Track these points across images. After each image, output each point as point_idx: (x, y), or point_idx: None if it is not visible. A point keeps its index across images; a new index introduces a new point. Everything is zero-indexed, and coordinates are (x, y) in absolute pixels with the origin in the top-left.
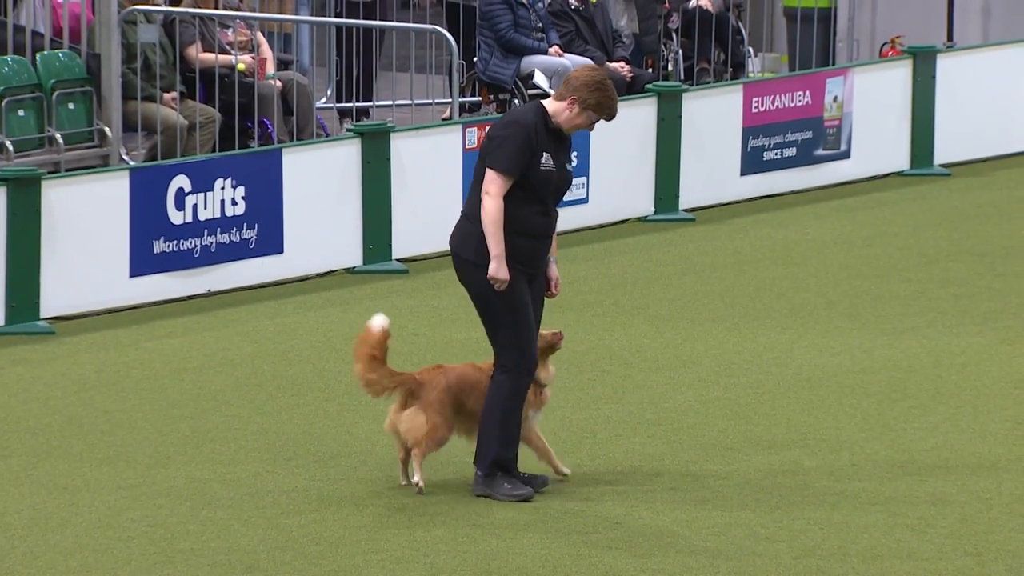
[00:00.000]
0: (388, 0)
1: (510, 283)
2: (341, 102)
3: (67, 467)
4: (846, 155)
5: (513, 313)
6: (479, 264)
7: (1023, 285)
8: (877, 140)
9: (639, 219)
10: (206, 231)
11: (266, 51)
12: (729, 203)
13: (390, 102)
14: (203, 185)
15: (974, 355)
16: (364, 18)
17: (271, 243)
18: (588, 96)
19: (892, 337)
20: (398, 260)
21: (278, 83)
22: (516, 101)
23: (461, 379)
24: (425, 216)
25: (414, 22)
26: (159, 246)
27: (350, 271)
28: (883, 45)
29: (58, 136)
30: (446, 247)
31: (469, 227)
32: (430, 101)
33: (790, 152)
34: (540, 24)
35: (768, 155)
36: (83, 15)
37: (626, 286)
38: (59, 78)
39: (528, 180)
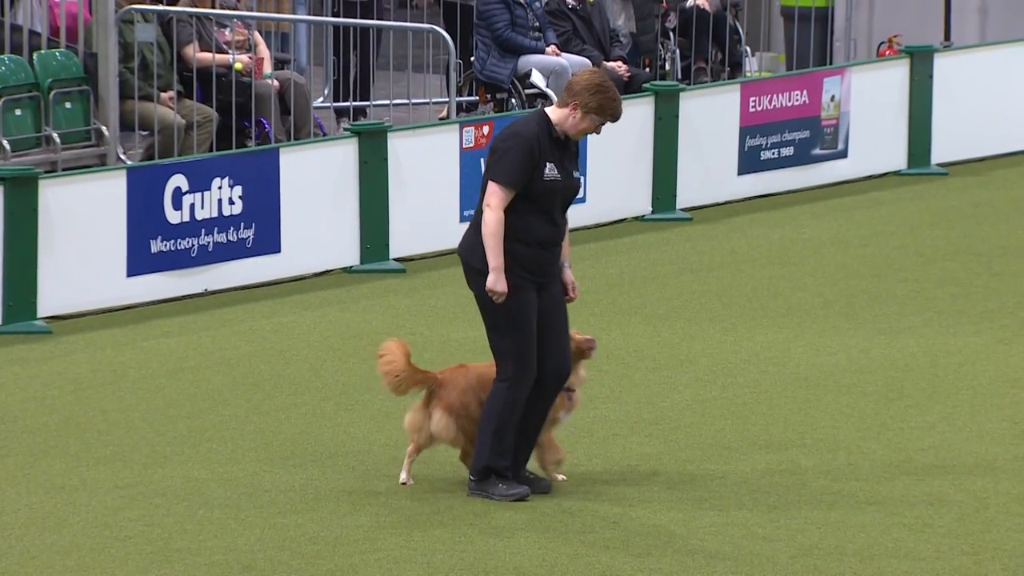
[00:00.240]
0: None
1: (516, 294)
2: (338, 101)
3: (64, 466)
4: (843, 154)
5: (516, 324)
6: (485, 272)
7: (1020, 284)
8: (874, 139)
9: (636, 218)
10: (203, 230)
11: (263, 50)
12: (726, 202)
13: (387, 101)
14: (200, 184)
15: (971, 354)
16: (361, 17)
17: (268, 242)
18: (590, 100)
19: (889, 336)
20: (395, 259)
21: (275, 82)
22: (513, 100)
23: (482, 379)
24: (422, 215)
25: (411, 21)
26: (156, 245)
27: (347, 270)
28: (880, 45)
29: (55, 135)
30: (444, 246)
31: (475, 236)
32: (427, 100)
33: (787, 151)
34: (537, 23)
35: (765, 154)
36: (80, 14)
37: (623, 285)
38: (56, 77)
39: (532, 191)
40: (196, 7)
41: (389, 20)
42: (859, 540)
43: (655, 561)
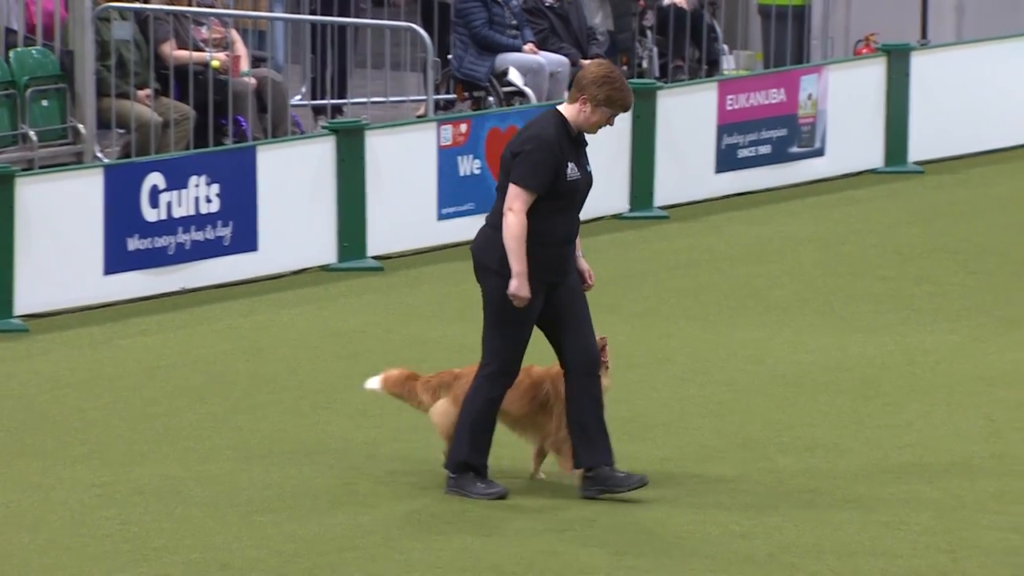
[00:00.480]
0: None
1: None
2: (316, 99)
3: (41, 465)
4: (820, 152)
5: (517, 327)
6: (499, 272)
7: (997, 282)
8: (851, 137)
9: (614, 216)
10: (180, 228)
11: (240, 48)
12: (704, 200)
13: (365, 99)
14: (177, 182)
15: (948, 352)
16: (339, 15)
17: (245, 240)
18: (597, 92)
19: (866, 334)
20: (373, 257)
21: (252, 80)
22: (491, 99)
23: None
24: (400, 213)
25: (389, 19)
26: (133, 243)
27: (325, 268)
28: (857, 43)
29: (32, 133)
30: (421, 244)
31: (493, 235)
32: (405, 98)
33: (765, 149)
34: (515, 21)
35: (743, 152)
36: (56, 12)
37: (600, 284)
38: (33, 75)
39: (558, 192)
40: (173, 5)
41: (367, 18)
42: (836, 538)
43: (632, 559)
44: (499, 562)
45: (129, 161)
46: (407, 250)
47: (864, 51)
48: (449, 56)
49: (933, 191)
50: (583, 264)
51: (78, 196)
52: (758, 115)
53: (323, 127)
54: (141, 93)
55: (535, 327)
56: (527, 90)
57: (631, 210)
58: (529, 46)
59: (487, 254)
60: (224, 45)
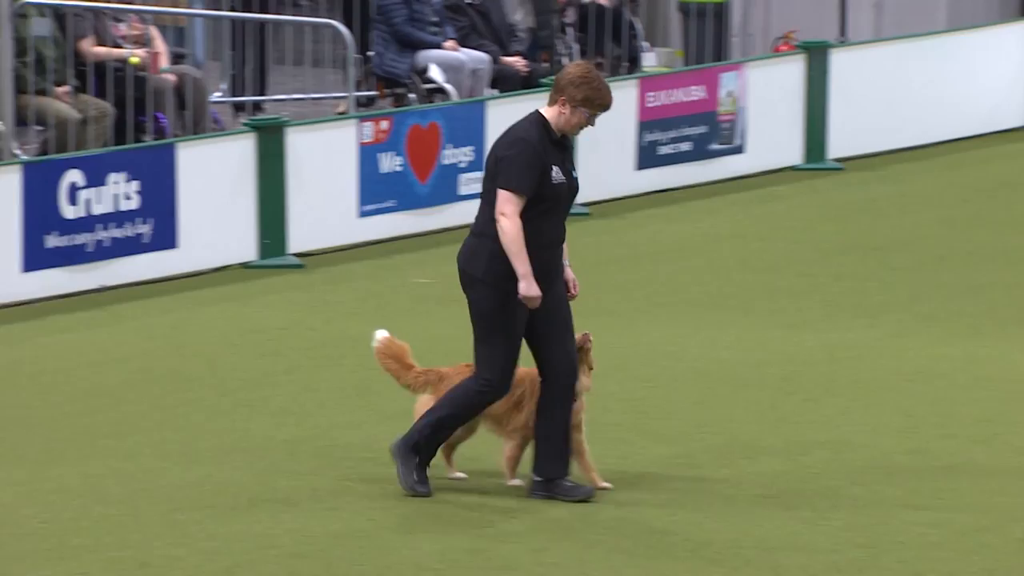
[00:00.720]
0: None
1: (512, 308)
2: (236, 96)
3: None
4: (740, 150)
5: (505, 336)
6: (487, 282)
7: (915, 279)
8: (771, 134)
9: None
10: (99, 226)
11: (159, 45)
12: (625, 197)
13: (285, 96)
14: (96, 180)
15: (867, 348)
16: (259, 12)
17: (165, 238)
18: (575, 93)
19: (786, 331)
20: (294, 255)
21: (172, 77)
22: (412, 95)
23: None
24: (321, 211)
25: (309, 16)
26: (52, 241)
27: (245, 266)
28: (776, 40)
29: None
30: (342, 241)
31: (478, 244)
32: (326, 95)
33: (685, 146)
34: (436, 18)
35: (663, 149)
36: None
37: None
38: None
39: (543, 196)
40: (92, 1)
41: (287, 15)
42: (756, 533)
43: (553, 556)
44: (420, 559)
45: (48, 158)
46: (328, 247)
47: (783, 49)
48: (370, 53)
49: (852, 188)
50: (568, 273)
51: None
52: (678, 112)
53: (243, 124)
54: (60, 90)
55: None
56: (448, 87)
57: None
58: (450, 43)
59: (473, 264)
60: (143, 42)
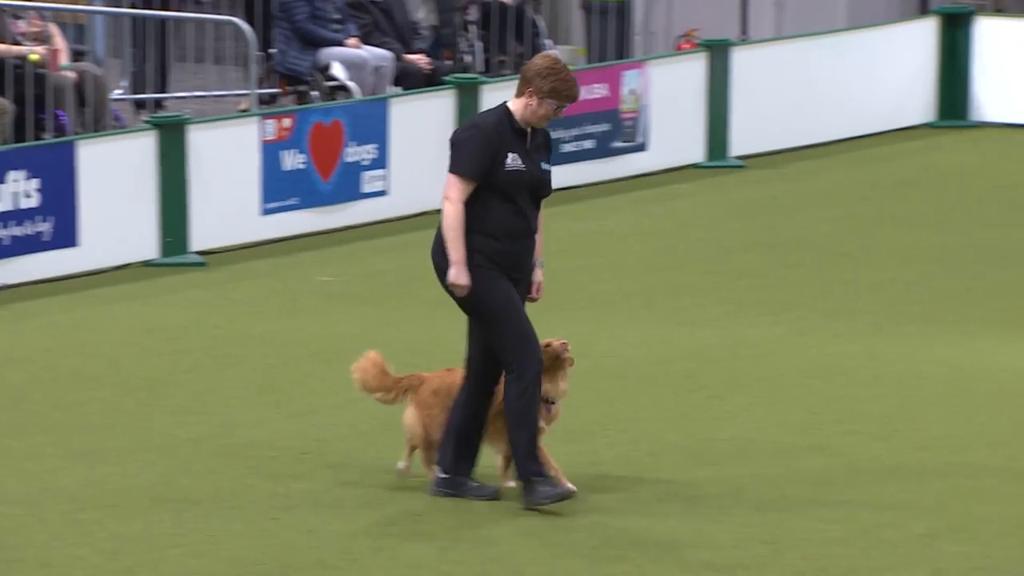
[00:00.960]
0: None
1: (492, 285)
2: (137, 94)
3: None
4: (642, 147)
5: (504, 316)
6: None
7: (817, 276)
8: (673, 132)
9: (439, 211)
10: None
11: (59, 42)
12: None
13: (187, 94)
14: None
15: (770, 345)
16: (160, 8)
17: (66, 236)
18: (542, 84)
19: (689, 328)
20: (196, 253)
21: (72, 74)
22: (314, 93)
23: (452, 387)
24: (223, 208)
25: (211, 13)
26: None
27: (147, 264)
28: (678, 38)
29: None
30: (245, 239)
31: (442, 237)
32: (228, 93)
33: (588, 144)
34: (338, 16)
35: (566, 147)
36: None
37: (427, 278)
38: None
39: (495, 181)
40: None
41: (188, 12)
42: (660, 530)
43: (458, 554)
44: (324, 557)
45: None
46: (231, 245)
47: (685, 47)
48: (272, 50)
49: (754, 185)
50: (537, 274)
51: None
52: (581, 110)
53: (144, 122)
54: None
55: (465, 317)
56: (351, 84)
57: None
58: (352, 40)
59: (441, 258)
60: (43, 39)
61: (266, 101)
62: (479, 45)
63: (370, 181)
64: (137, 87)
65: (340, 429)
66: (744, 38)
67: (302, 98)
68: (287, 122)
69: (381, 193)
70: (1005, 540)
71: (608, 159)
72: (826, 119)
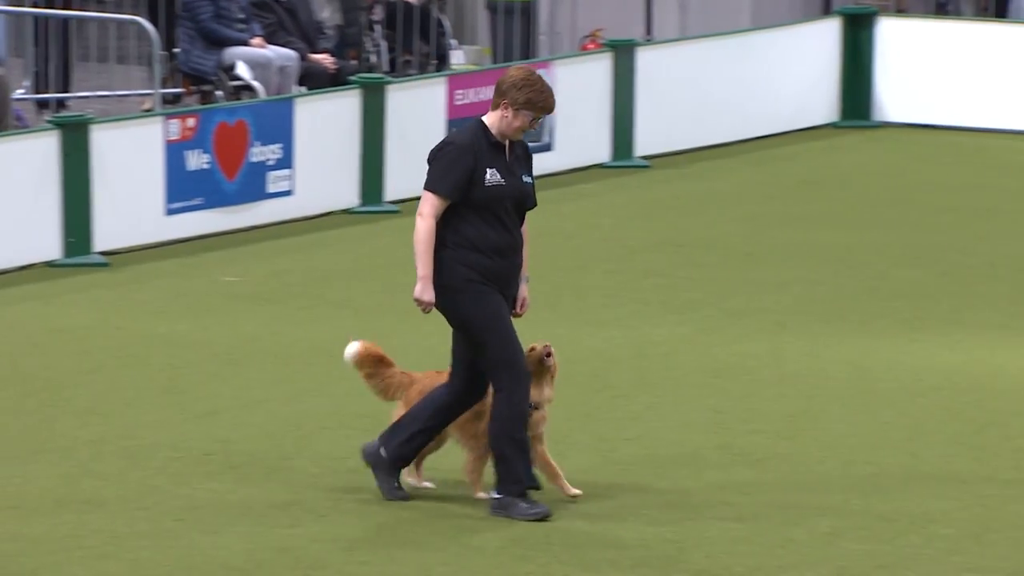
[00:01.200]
0: None
1: (482, 300)
2: (39, 93)
3: None
4: (548, 147)
5: (493, 330)
6: (453, 287)
7: (722, 275)
8: (579, 132)
9: (344, 211)
10: None
11: None
12: None
13: (90, 93)
14: None
15: (675, 345)
16: (62, 8)
17: None
18: (517, 95)
19: (595, 327)
20: (99, 253)
21: None
22: (219, 92)
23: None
24: (127, 209)
25: (114, 12)
26: None
27: (50, 264)
28: (583, 38)
29: None
30: (149, 240)
31: (439, 252)
32: (131, 92)
33: None
34: (242, 15)
35: None
36: None
37: (331, 278)
38: None
39: (475, 198)
40: None
41: (91, 11)
42: (565, 529)
43: (363, 554)
44: (228, 559)
45: None
46: (134, 245)
47: (590, 47)
48: (176, 50)
49: (659, 185)
50: (522, 289)
51: None
52: (487, 110)
53: (47, 121)
54: None
55: (453, 333)
56: (255, 84)
57: (362, 204)
58: (257, 40)
59: (436, 272)
60: None
61: (170, 101)
62: (384, 45)
63: (275, 181)
64: (40, 87)
65: (245, 430)
66: (649, 38)
67: (206, 98)
68: (191, 122)
69: (286, 193)
70: (908, 538)
71: None
72: (730, 119)
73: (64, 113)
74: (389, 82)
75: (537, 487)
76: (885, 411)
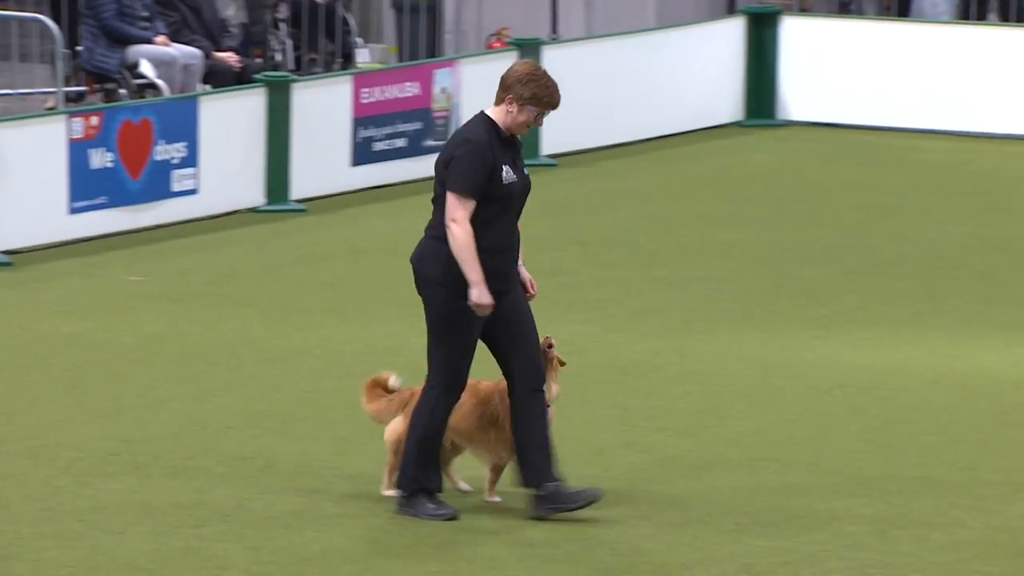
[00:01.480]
0: None
1: (469, 310)
2: None
3: None
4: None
5: (460, 337)
6: (443, 283)
7: (627, 274)
8: None
9: (250, 210)
10: None
11: None
12: (340, 193)
13: None
14: None
15: (581, 343)
16: None
17: None
18: (522, 91)
19: None
20: (2, 252)
21: None
22: (122, 91)
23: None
24: (30, 207)
25: (16, 10)
26: None
27: None
28: (489, 37)
29: None
30: (53, 239)
31: (434, 247)
32: (34, 91)
33: (400, 143)
34: (146, 13)
35: (378, 145)
36: None
37: (237, 277)
38: None
39: (493, 197)
40: None
41: None
42: (472, 529)
43: (269, 554)
44: (133, 559)
45: None
46: (38, 245)
47: (496, 45)
48: (79, 48)
49: (565, 184)
50: (524, 273)
51: None
52: (393, 108)
53: None
54: None
55: (480, 341)
56: (159, 82)
57: (268, 203)
58: (161, 38)
59: (429, 266)
60: None
61: (73, 99)
62: (289, 43)
63: (180, 180)
64: None
65: (149, 429)
66: (554, 37)
67: (110, 96)
68: (95, 120)
69: (191, 192)
70: (813, 534)
71: (420, 157)
72: (636, 118)
73: None
74: (294, 80)
75: (439, 489)
76: (790, 408)
